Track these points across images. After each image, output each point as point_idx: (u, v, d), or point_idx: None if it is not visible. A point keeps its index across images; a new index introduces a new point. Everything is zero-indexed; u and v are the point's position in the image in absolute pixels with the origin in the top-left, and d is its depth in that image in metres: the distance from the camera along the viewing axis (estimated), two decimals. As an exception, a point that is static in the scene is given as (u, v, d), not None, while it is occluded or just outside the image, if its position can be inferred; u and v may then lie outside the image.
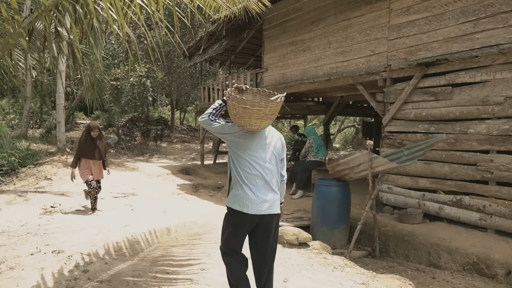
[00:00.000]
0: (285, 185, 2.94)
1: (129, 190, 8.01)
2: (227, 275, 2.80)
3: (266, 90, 2.77)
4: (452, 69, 5.33)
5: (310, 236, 4.74)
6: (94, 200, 6.09)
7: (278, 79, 8.37)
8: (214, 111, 2.76)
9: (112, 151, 13.82)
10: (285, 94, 2.73)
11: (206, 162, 12.54)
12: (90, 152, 5.97)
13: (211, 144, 17.94)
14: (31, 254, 4.10)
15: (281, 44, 8.36)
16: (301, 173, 7.24)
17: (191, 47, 11.38)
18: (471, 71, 5.12)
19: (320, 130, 23.02)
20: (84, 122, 25.80)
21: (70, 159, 10.15)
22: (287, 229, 4.73)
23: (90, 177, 5.97)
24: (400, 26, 5.96)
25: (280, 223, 5.56)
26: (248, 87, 2.77)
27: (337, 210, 5.21)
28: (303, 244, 4.67)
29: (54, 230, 5.01)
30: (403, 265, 4.83)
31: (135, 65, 13.22)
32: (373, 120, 12.11)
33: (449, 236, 4.84)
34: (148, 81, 13.39)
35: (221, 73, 16.23)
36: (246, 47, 11.93)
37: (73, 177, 5.97)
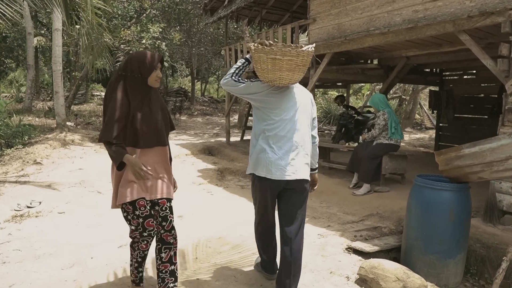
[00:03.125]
0: (317, 148, 2.79)
1: (137, 178, 6.22)
2: (257, 245, 2.89)
3: (292, 45, 2.42)
4: None
5: (425, 284, 2.79)
6: (137, 263, 2.56)
7: (331, 32, 6.24)
8: (237, 71, 2.59)
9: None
10: (314, 44, 2.62)
11: (232, 139, 10.66)
12: (144, 125, 2.35)
13: (237, 117, 16.03)
14: None
15: (335, -16, 6.18)
16: (368, 161, 5.22)
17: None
18: None
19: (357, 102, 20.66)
20: (99, 94, 24.24)
21: (70, 136, 8.45)
22: (384, 268, 2.79)
23: (135, 195, 2.32)
24: None
25: (356, 245, 3.65)
26: (272, 42, 2.40)
27: (453, 230, 3.23)
28: (412, 297, 2.74)
29: (8, 256, 3.25)
30: None
31: (148, 26, 11.21)
32: (438, 89, 9.84)
33: None
34: (164, 43, 11.38)
35: (247, 35, 14.03)
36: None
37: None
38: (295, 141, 2.51)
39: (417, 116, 17.30)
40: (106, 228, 3.95)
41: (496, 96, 8.23)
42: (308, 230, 3.99)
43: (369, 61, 8.23)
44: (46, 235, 3.73)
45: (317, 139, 2.76)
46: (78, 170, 6.52)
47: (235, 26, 15.43)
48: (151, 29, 11.05)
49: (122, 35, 11.32)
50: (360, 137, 5.75)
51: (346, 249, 3.54)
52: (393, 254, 3.71)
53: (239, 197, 5.51)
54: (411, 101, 15.36)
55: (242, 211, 4.68)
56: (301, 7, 9.62)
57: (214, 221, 4.32)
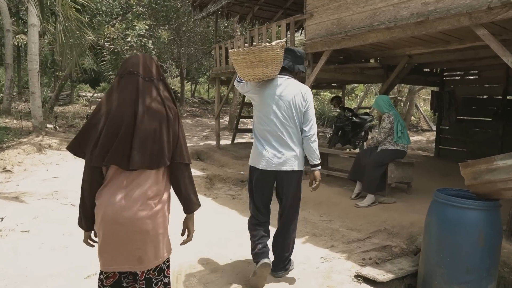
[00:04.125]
0: (313, 144, 2.74)
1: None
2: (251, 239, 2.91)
3: (261, 44, 2.56)
4: None
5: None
6: None
7: (330, 28, 5.73)
8: None
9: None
10: (284, 40, 3.04)
11: (222, 142, 10.09)
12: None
13: (227, 119, 15.47)
14: None
15: (334, -25, 5.68)
16: (373, 169, 4.72)
17: (202, -6, 8.73)
18: None
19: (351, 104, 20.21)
20: (85, 95, 23.57)
21: (47, 141, 7.82)
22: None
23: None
24: None
25: (367, 273, 3.04)
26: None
27: (483, 256, 2.72)
28: None
29: None
30: None
31: (134, 22, 10.61)
32: (438, 89, 9.39)
33: None
34: (150, 42, 10.78)
35: (239, 33, 13.49)
36: (273, -5, 9.21)
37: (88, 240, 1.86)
38: (279, 135, 2.68)
39: (412, 118, 16.93)
40: (74, 251, 3.38)
41: (501, 97, 7.83)
42: (310, 252, 3.48)
43: (363, 60, 7.73)
44: (0, 263, 3.15)
45: (310, 134, 2.73)
46: (52, 179, 5.91)
47: (226, 25, 14.89)
48: (136, 26, 10.46)
49: (106, 33, 10.70)
50: (365, 143, 5.25)
51: (355, 276, 3.03)
52: (408, 280, 3.21)
53: (230, 209, 4.97)
54: (407, 102, 14.96)
55: (232, 227, 4.15)
56: (295, 4, 9.14)
57: (199, 241, 3.74)
